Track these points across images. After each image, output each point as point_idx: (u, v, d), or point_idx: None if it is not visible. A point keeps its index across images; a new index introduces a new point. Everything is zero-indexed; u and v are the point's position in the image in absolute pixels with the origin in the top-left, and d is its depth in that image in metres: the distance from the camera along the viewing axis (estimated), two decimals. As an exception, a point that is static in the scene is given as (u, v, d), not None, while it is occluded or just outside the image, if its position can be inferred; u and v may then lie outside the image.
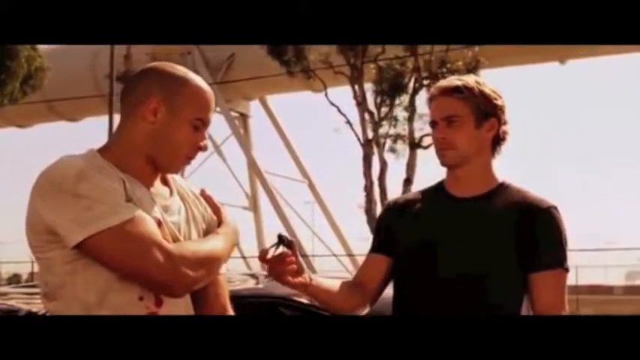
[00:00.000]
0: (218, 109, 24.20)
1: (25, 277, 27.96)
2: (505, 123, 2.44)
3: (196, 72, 2.09)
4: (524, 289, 2.35)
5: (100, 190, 1.83)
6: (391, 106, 20.09)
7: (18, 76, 20.13)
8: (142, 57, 27.18)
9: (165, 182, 2.06)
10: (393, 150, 20.41)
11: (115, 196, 1.85)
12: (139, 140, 1.96)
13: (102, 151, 1.97)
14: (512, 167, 3.44)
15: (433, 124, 2.43)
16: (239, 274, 5.12)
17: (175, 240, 1.92)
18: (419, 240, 2.40)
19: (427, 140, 19.76)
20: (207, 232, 2.07)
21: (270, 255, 2.18)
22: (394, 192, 19.70)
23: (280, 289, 3.69)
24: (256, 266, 16.56)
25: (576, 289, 18.40)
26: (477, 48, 18.95)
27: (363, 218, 20.01)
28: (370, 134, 20.13)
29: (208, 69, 26.47)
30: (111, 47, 20.85)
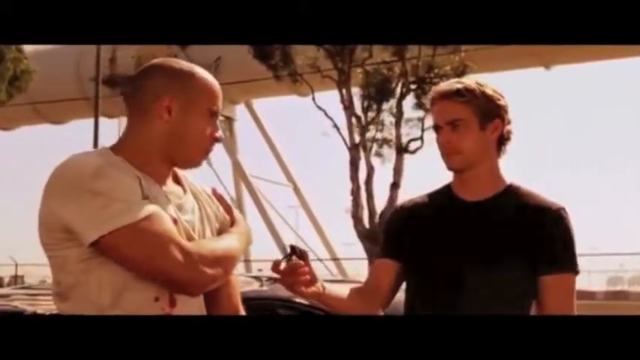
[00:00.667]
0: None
1: (7, 280, 27.70)
2: (509, 122, 2.42)
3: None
4: (535, 291, 2.33)
5: (118, 187, 1.81)
6: (378, 111, 20.08)
7: (4, 78, 19.99)
8: (127, 60, 27.09)
9: (177, 181, 2.04)
10: (379, 154, 20.40)
11: (132, 193, 1.83)
12: (154, 140, 1.94)
13: (114, 149, 1.95)
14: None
15: (437, 128, 2.40)
16: (244, 276, 5.09)
17: (190, 239, 1.90)
18: (430, 245, 2.39)
19: (414, 145, 19.81)
20: (220, 232, 2.05)
21: (282, 266, 2.16)
22: (381, 196, 19.73)
23: (283, 292, 3.67)
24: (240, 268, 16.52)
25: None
26: (463, 53, 19.00)
27: (349, 223, 20.00)
28: (357, 138, 20.12)
29: (194, 72, 26.31)
30: (97, 49, 20.71)
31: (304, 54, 20.01)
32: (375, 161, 20.16)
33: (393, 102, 20.00)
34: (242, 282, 4.68)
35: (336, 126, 20.28)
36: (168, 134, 1.94)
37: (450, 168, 2.41)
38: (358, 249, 21.30)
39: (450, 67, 18.98)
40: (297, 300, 3.56)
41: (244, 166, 28.03)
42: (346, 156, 20.15)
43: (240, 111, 30.18)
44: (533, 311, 2.36)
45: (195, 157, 1.99)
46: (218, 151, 29.35)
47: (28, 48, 21.11)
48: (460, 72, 18.07)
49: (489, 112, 2.36)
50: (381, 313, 2.48)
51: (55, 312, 3.48)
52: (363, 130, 20.06)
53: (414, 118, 19.99)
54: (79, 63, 27.67)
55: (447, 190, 2.47)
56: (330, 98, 21.41)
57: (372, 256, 19.33)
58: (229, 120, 29.72)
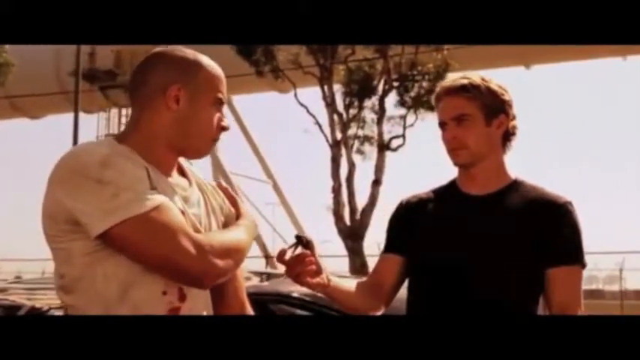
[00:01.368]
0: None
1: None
2: (514, 118, 2.43)
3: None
4: (542, 285, 2.32)
5: (126, 176, 1.75)
6: (360, 108, 20.12)
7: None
8: (106, 53, 26.94)
9: (182, 173, 2.00)
10: (360, 152, 20.45)
11: (141, 183, 1.77)
12: (162, 130, 1.89)
13: (119, 139, 1.90)
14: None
15: (442, 124, 2.41)
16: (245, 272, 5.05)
17: (197, 232, 1.85)
18: (435, 239, 2.38)
19: (396, 142, 19.85)
20: (225, 224, 2.01)
21: (288, 256, 2.13)
22: (362, 194, 19.75)
23: (283, 287, 3.66)
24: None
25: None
26: (445, 51, 19.06)
27: (329, 220, 20.01)
28: (339, 135, 20.13)
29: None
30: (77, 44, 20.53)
31: (286, 50, 19.99)
32: (356, 158, 20.25)
33: (375, 99, 20.07)
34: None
35: (317, 123, 20.31)
36: (177, 124, 1.89)
37: (456, 163, 2.42)
38: (336, 246, 21.34)
39: (432, 64, 19.04)
40: (297, 296, 3.54)
41: (224, 162, 27.95)
42: (328, 153, 20.17)
43: (220, 107, 30.14)
44: (540, 304, 2.35)
45: (204, 146, 1.95)
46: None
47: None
48: (442, 70, 18.16)
49: (494, 108, 2.37)
50: (384, 308, 2.46)
51: (54, 306, 3.43)
52: (345, 127, 20.09)
53: (396, 115, 20.07)
54: (57, 57, 27.48)
55: (452, 185, 2.48)
56: (311, 95, 21.41)
57: (352, 254, 19.37)
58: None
